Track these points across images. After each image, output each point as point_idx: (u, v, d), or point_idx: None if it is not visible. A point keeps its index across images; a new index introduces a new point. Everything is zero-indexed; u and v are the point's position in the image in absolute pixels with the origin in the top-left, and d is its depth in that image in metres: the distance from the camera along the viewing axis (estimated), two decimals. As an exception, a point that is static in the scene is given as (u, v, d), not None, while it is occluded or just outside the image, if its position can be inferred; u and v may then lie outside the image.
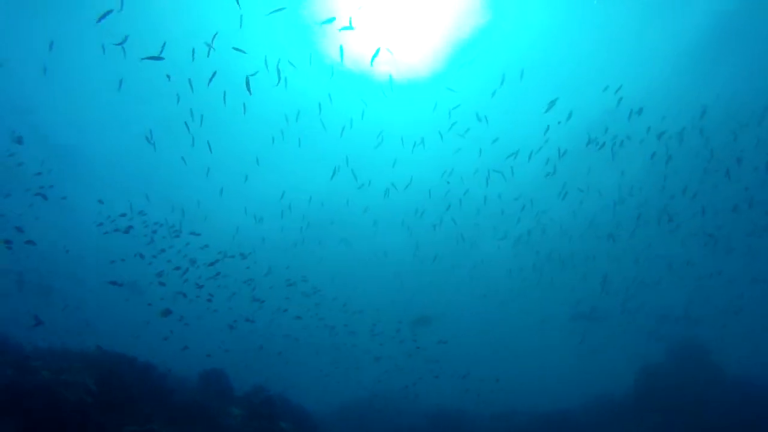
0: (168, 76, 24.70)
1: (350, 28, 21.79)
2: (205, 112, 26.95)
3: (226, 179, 32.83)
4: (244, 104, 26.38)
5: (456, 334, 46.78)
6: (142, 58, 14.15)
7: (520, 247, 36.74)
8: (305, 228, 36.88)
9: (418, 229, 36.18)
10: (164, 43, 18.40)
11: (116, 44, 21.34)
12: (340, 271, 41.13)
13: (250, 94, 21.18)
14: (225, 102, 26.20)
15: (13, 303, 41.51)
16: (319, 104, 25.78)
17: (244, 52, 19.30)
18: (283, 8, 21.28)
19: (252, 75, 16.85)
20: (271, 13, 21.53)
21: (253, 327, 42.98)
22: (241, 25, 22.17)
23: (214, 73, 18.91)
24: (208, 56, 23.58)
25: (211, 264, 26.62)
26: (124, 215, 30.27)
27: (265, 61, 23.62)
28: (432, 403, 36.45)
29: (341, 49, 23.64)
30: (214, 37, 21.53)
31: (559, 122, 26.31)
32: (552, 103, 22.68)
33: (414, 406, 36.40)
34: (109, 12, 14.95)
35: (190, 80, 21.23)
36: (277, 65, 22.80)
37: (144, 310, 41.12)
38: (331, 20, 21.32)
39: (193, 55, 23.24)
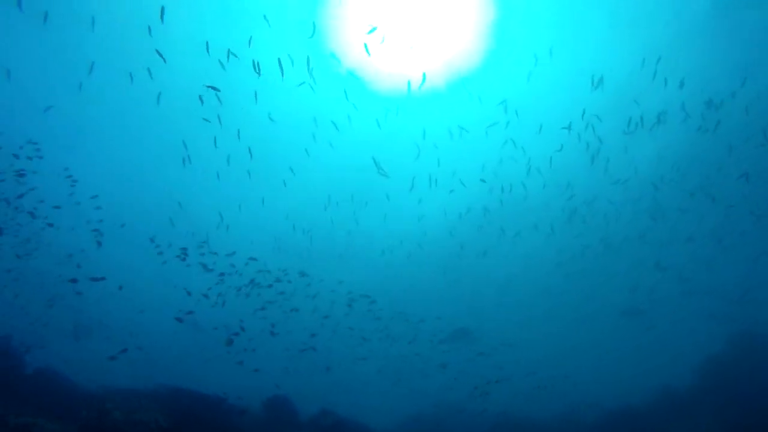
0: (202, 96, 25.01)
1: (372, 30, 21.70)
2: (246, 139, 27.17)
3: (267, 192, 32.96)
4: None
5: (513, 336, 45.57)
6: (206, 86, 14.34)
7: (565, 238, 35.59)
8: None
9: (462, 228, 35.53)
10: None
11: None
12: (394, 280, 40.71)
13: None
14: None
15: (73, 343, 42.62)
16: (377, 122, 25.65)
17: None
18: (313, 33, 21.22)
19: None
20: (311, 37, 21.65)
21: (315, 346, 42.80)
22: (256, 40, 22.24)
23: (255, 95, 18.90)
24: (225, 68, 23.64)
25: (270, 285, 26.56)
26: (184, 250, 30.45)
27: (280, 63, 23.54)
28: (498, 410, 35.49)
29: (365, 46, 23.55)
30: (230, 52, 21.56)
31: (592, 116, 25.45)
32: (598, 81, 22.01)
33: (480, 413, 35.57)
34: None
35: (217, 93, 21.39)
36: (309, 70, 22.76)
37: (206, 341, 41.48)
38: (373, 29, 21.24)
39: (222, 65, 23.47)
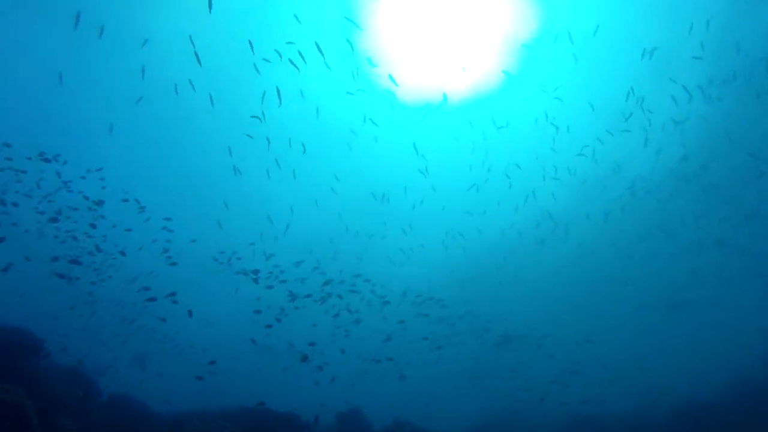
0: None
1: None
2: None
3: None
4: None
5: (580, 332, 43.66)
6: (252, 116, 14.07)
7: (621, 225, 33.77)
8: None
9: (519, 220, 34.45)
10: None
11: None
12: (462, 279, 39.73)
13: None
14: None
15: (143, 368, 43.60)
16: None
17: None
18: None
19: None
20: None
21: (387, 355, 42.19)
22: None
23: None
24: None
25: (339, 296, 26.17)
26: (257, 272, 30.58)
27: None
28: (570, 408, 34.04)
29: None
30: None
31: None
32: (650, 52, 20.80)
33: (552, 412, 34.38)
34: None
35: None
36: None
37: (275, 357, 41.51)
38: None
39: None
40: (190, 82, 23.56)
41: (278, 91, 22.40)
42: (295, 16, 20.99)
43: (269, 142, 26.25)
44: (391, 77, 24.22)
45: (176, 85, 23.61)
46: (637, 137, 27.00)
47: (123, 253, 27.76)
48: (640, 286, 39.39)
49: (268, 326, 24.09)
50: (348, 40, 22.22)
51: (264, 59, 21.54)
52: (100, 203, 23.09)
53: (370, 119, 26.83)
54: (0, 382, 10.22)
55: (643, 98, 24.61)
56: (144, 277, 34.73)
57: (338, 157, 30.14)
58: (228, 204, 32.05)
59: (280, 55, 21.29)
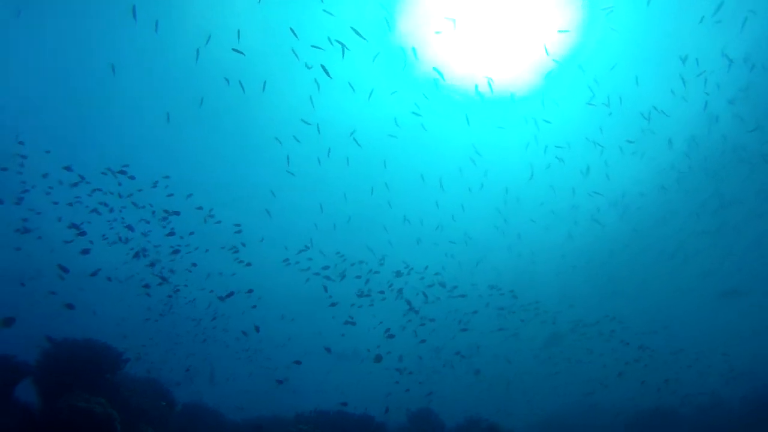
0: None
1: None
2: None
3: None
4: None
5: (655, 317, 41.99)
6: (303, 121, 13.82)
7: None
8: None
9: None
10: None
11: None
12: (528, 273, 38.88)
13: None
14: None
15: (220, 375, 44.23)
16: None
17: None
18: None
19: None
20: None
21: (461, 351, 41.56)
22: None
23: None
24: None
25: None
26: (326, 268, 30.40)
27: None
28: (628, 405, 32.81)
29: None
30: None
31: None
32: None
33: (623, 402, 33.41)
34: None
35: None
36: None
37: (345, 361, 41.49)
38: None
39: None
40: (240, 83, 23.70)
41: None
42: (325, 10, 20.95)
43: (319, 131, 26.31)
44: (436, 69, 23.87)
45: (228, 80, 23.69)
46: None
47: (194, 264, 28.29)
48: (715, 269, 37.64)
49: (348, 322, 23.84)
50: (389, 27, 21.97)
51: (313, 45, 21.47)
52: (174, 213, 23.46)
53: (414, 110, 26.47)
54: (87, 395, 10.37)
55: (696, 60, 23.46)
56: (216, 278, 35.11)
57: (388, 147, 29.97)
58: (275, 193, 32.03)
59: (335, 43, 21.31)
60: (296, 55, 22.25)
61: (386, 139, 28.59)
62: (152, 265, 27.62)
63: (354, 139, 27.71)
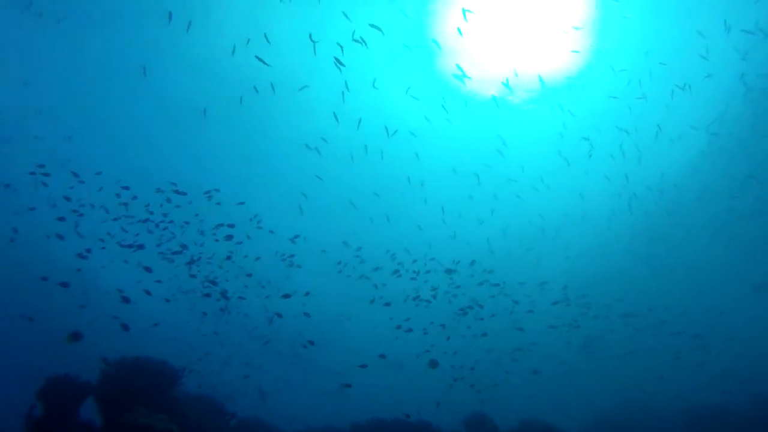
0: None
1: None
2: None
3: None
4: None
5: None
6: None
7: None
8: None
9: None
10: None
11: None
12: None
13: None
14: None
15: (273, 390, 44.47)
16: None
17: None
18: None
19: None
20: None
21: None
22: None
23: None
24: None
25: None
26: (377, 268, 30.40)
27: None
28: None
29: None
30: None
31: None
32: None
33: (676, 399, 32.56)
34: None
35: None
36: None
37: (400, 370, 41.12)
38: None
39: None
40: (271, 85, 23.88)
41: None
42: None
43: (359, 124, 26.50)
44: (459, 66, 23.76)
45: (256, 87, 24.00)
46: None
47: (249, 275, 28.65)
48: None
49: (402, 328, 23.81)
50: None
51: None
52: (231, 226, 23.88)
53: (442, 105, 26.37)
54: (148, 411, 10.60)
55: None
56: (270, 287, 35.38)
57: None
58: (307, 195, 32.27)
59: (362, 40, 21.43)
60: (337, 61, 22.27)
61: (413, 136, 28.67)
62: (213, 283, 28.05)
63: (387, 132, 27.64)
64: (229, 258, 27.39)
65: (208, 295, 29.81)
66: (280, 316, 25.81)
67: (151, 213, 24.93)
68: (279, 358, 42.76)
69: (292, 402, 43.48)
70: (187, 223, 28.36)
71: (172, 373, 13.05)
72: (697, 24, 22.18)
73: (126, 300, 16.24)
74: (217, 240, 27.54)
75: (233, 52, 22.28)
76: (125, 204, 26.04)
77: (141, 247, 19.99)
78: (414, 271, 32.85)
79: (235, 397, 31.47)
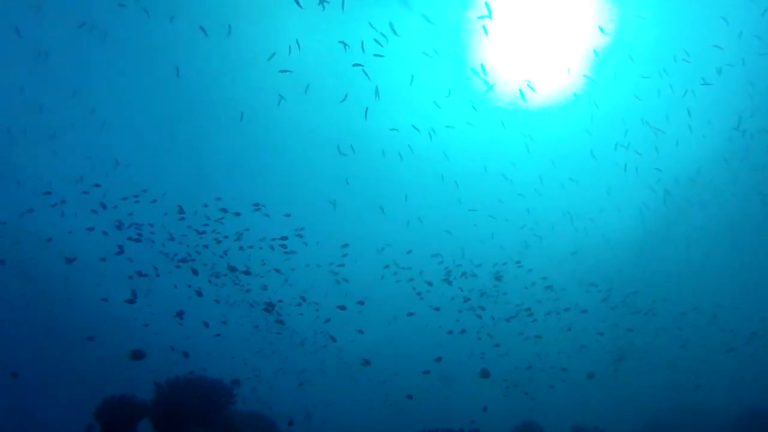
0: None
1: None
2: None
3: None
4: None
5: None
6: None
7: None
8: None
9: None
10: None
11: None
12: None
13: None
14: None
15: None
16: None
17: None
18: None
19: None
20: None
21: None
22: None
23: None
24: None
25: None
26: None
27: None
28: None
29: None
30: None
31: None
32: None
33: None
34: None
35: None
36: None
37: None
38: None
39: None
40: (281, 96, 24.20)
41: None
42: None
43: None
44: (482, 66, 23.77)
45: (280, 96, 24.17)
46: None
47: (303, 299, 29.00)
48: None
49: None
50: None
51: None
52: (284, 238, 24.12)
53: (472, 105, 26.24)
54: (203, 430, 10.98)
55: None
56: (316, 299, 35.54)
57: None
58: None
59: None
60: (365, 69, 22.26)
61: (445, 137, 28.50)
62: (270, 307, 28.41)
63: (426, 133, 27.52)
64: (278, 271, 27.59)
65: (267, 310, 30.01)
66: (334, 340, 25.92)
67: (204, 230, 25.37)
68: (328, 374, 42.83)
69: (339, 415, 43.43)
70: (239, 236, 28.56)
71: (226, 391, 13.46)
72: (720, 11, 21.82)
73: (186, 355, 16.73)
74: (272, 248, 27.41)
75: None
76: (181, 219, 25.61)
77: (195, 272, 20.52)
78: (461, 275, 32.63)
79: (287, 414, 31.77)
